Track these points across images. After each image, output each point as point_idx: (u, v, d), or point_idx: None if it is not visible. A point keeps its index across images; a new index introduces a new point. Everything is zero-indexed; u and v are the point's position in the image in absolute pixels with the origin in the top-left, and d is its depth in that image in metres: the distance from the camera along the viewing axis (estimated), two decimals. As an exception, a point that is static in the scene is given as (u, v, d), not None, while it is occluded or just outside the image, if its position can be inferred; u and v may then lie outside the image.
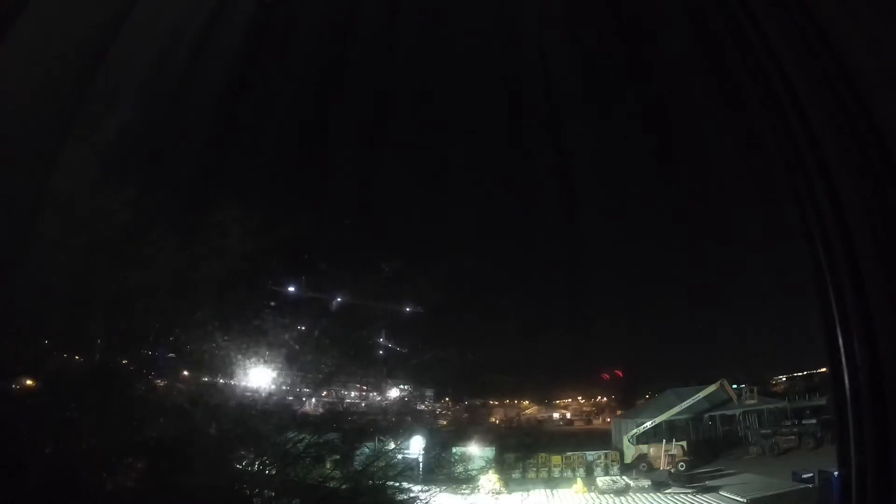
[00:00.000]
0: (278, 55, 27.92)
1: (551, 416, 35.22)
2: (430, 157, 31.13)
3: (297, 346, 15.90)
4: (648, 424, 28.80)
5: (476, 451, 22.46)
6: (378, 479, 15.83)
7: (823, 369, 25.50)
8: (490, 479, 22.47)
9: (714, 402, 30.25)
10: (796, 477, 22.89)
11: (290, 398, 15.88)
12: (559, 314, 31.97)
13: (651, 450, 28.26)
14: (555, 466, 27.60)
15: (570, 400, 36.26)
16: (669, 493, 25.26)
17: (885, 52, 4.56)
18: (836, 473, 5.88)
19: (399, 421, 18.46)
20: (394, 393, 21.61)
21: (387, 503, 16.17)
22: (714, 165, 30.78)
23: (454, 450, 20.40)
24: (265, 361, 15.66)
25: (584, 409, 36.08)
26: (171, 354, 15.67)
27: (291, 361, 15.89)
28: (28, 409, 12.26)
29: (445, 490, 17.95)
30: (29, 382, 13.08)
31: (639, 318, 31.71)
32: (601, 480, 26.71)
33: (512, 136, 32.38)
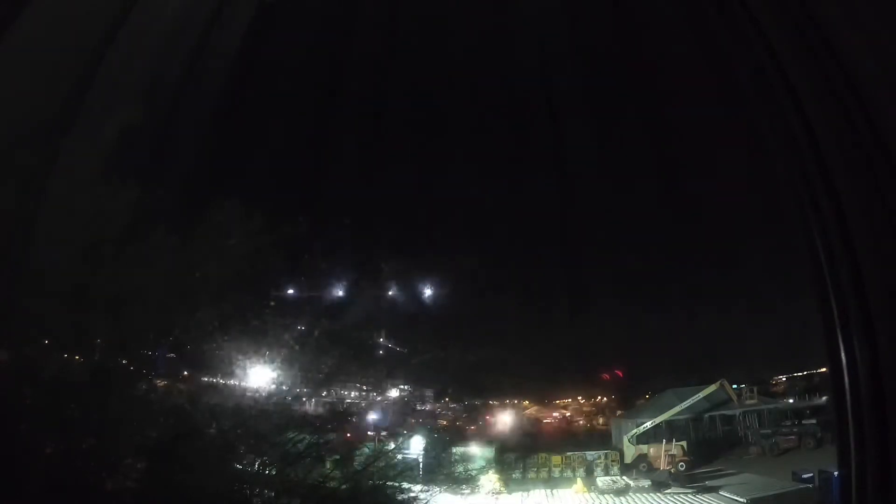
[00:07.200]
0: (279, 55, 27.94)
1: (551, 416, 35.22)
2: (430, 157, 31.12)
3: (296, 346, 15.91)
4: (648, 424, 28.82)
5: (476, 451, 22.52)
6: (378, 479, 15.86)
7: (823, 369, 25.49)
8: (490, 479, 22.50)
9: (714, 402, 30.23)
10: (796, 477, 22.88)
11: (290, 398, 15.88)
12: (559, 314, 31.92)
13: (651, 450, 28.28)
14: (555, 466, 27.66)
15: (570, 400, 36.24)
16: (669, 493, 25.27)
17: (885, 51, 4.56)
18: (836, 473, 5.89)
19: (399, 421, 18.49)
20: (394, 393, 21.60)
21: (387, 503, 16.19)
22: (715, 165, 30.73)
23: (454, 450, 20.44)
24: (265, 361, 15.67)
25: (585, 408, 36.07)
26: (171, 354, 15.69)
27: (291, 361, 15.90)
28: (28, 409, 12.25)
29: (445, 490, 17.99)
30: (29, 382, 13.06)
31: (639, 318, 31.67)
32: (601, 480, 26.74)
33: (512, 136, 32.36)
